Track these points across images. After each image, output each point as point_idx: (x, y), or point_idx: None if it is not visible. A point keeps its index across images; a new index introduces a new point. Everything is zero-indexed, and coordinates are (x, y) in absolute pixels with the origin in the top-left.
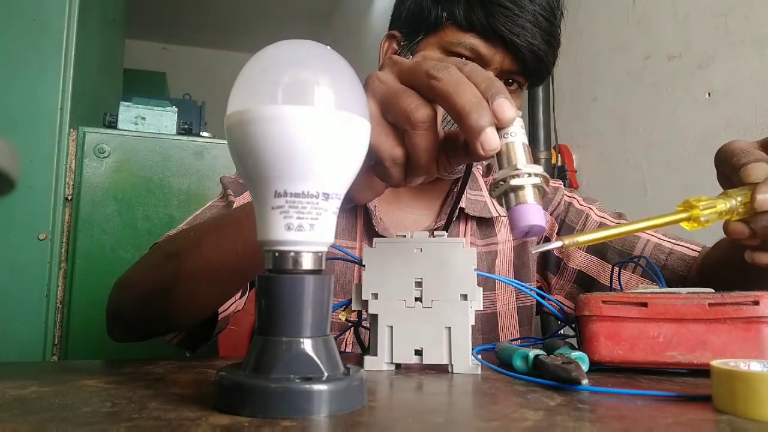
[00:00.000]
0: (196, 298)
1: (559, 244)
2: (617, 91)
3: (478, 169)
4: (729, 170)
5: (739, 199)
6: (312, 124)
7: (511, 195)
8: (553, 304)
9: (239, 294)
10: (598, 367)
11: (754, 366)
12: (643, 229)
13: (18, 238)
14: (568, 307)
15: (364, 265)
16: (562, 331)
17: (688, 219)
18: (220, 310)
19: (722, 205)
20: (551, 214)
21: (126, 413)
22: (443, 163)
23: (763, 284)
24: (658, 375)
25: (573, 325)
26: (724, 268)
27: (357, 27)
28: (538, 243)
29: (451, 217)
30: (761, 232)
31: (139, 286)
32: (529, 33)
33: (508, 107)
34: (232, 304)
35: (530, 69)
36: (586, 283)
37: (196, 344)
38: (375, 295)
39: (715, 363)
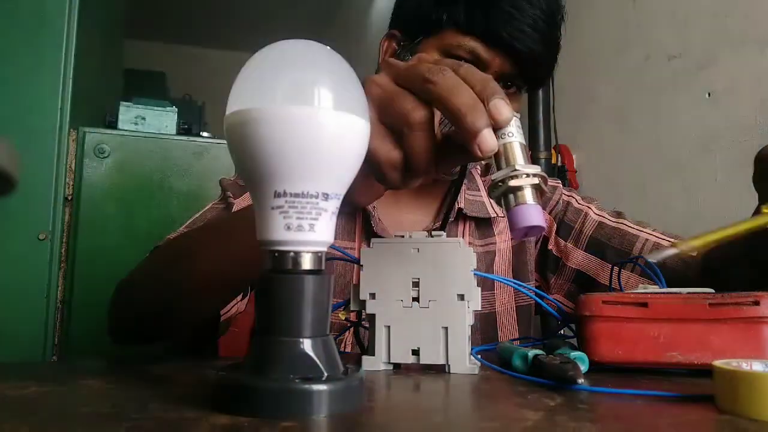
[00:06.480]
0: (198, 301)
1: (675, 250)
2: (617, 91)
3: (476, 169)
4: None
5: None
6: (312, 124)
7: (510, 196)
8: (551, 303)
9: (240, 295)
10: (598, 368)
11: (756, 366)
12: (753, 228)
13: (18, 238)
14: (567, 306)
15: (362, 265)
16: (562, 332)
17: None
18: (222, 311)
19: None
20: (549, 213)
21: (126, 413)
22: (441, 165)
23: None
24: (659, 375)
25: (572, 325)
26: (732, 267)
27: (357, 27)
28: (537, 242)
29: (447, 217)
30: None
31: (142, 289)
32: (529, 37)
33: (504, 108)
34: (233, 305)
35: (529, 73)
36: (585, 282)
37: (198, 346)
38: (372, 295)
39: (717, 363)
